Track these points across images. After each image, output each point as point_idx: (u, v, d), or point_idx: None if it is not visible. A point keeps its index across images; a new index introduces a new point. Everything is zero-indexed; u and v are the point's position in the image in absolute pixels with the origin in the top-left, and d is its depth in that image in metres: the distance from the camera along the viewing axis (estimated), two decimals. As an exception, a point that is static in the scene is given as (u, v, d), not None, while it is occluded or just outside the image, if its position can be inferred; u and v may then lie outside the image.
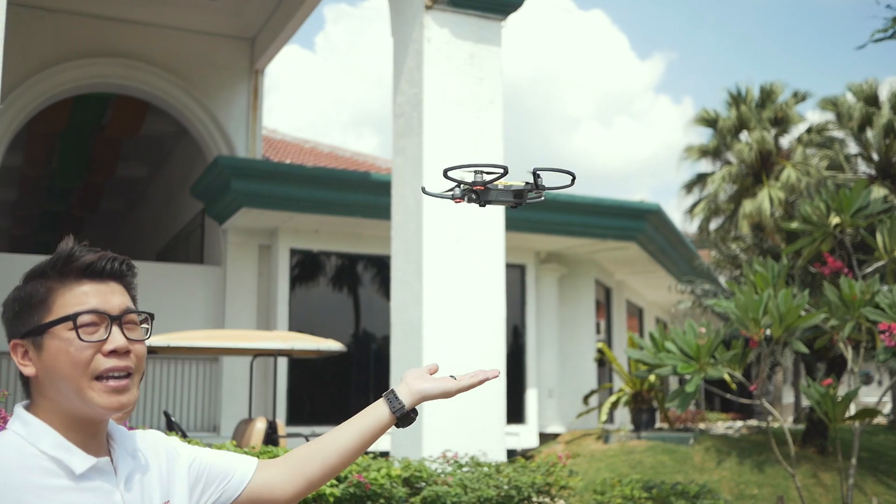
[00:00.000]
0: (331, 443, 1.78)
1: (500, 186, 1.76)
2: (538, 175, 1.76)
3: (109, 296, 1.53)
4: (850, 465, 7.62)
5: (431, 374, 1.85)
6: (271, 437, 8.17)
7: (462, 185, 1.78)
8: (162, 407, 13.17)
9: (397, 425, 1.80)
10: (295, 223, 14.69)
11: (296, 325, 14.24)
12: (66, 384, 1.47)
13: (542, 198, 1.79)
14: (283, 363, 14.22)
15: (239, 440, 8.07)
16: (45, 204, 21.13)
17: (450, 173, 1.77)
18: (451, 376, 1.84)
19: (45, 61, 13.75)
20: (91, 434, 1.52)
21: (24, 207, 21.15)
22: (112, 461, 1.53)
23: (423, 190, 1.86)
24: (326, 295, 15.76)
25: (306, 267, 15.56)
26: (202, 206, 15.52)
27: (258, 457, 4.97)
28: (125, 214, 23.12)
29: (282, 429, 8.61)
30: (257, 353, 9.41)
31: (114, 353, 1.49)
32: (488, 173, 1.77)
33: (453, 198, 1.78)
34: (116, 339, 1.50)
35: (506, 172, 1.76)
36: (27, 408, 1.53)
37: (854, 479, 7.62)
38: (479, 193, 1.75)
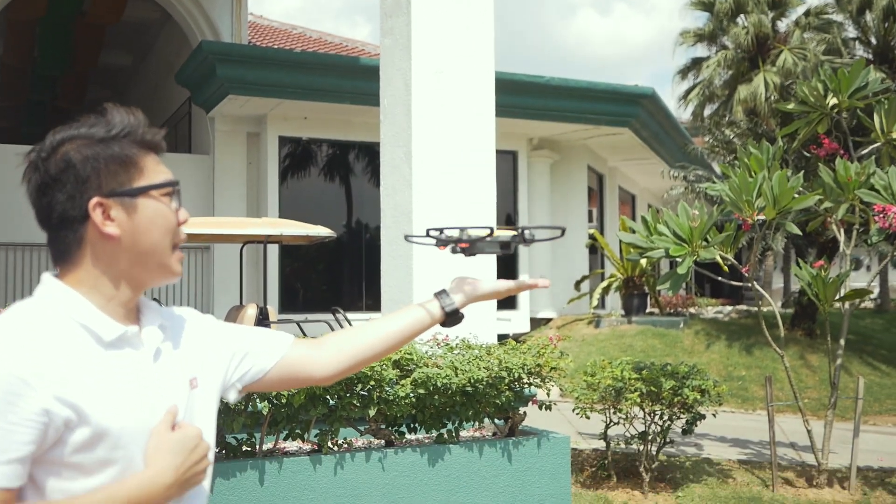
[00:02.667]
0: (377, 327, 1.81)
1: (486, 238, 1.79)
2: (524, 232, 1.81)
3: None
4: (839, 346, 7.67)
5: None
6: (262, 324, 8.18)
7: (447, 241, 1.80)
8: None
9: (444, 324, 1.83)
10: (283, 110, 14.46)
11: (286, 215, 14.17)
12: (152, 249, 1.50)
13: (529, 245, 1.84)
14: (273, 251, 14.21)
15: (230, 326, 8.09)
16: (29, 94, 20.75)
17: (433, 231, 1.82)
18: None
19: (19, -57, 13.27)
20: (129, 307, 1.54)
21: (7, 98, 20.77)
22: (140, 333, 1.53)
23: (406, 237, 1.89)
24: (317, 184, 15.64)
25: (296, 155, 15.39)
26: (188, 94, 15.24)
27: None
28: (111, 103, 22.73)
29: (273, 315, 8.63)
30: (247, 240, 9.36)
31: (182, 223, 1.56)
32: (473, 229, 1.80)
33: (437, 244, 1.79)
34: (184, 212, 1.57)
35: (491, 233, 1.80)
36: (60, 277, 1.52)
37: (841, 361, 7.69)
38: (464, 248, 1.79)
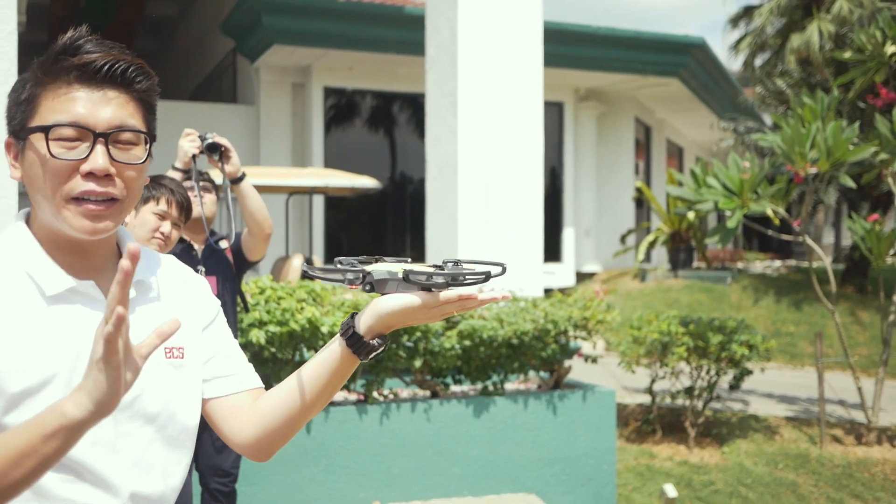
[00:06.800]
0: (290, 379, 1.46)
1: (398, 275, 1.35)
2: (444, 266, 1.37)
3: (101, 107, 1.29)
4: (891, 302, 7.51)
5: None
6: (307, 274, 8.21)
7: (350, 273, 1.38)
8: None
9: (356, 353, 1.39)
10: (328, 60, 14.39)
11: (331, 165, 14.16)
12: (41, 198, 1.31)
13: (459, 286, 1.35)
14: (318, 202, 14.24)
15: (276, 276, 8.12)
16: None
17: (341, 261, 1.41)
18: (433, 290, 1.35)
19: None
20: (78, 254, 1.36)
21: (55, 48, 20.93)
22: (109, 285, 1.37)
23: (305, 270, 1.42)
24: (362, 135, 15.59)
25: (341, 106, 15.34)
26: (234, 44, 15.22)
27: (293, 292, 4.94)
28: (157, 55, 22.83)
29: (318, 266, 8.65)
30: (292, 191, 9.36)
31: (91, 174, 1.29)
32: (384, 263, 1.41)
33: (346, 282, 1.39)
34: (96, 160, 1.28)
35: (407, 277, 1.33)
36: (28, 215, 1.41)
37: (894, 317, 7.53)
38: (373, 284, 1.38)
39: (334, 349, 1.41)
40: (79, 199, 1.30)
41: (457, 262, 1.39)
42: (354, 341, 1.38)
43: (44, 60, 1.31)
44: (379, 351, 1.40)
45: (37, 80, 1.32)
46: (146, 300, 1.41)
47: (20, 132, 1.32)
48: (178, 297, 1.47)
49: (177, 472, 1.42)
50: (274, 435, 1.45)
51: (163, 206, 3.29)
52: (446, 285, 1.33)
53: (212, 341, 1.49)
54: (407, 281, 1.32)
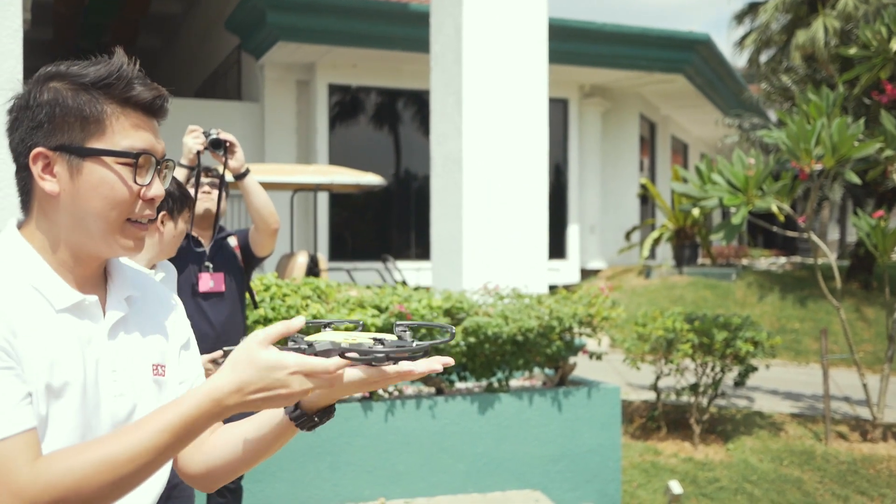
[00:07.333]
0: (236, 441, 1.47)
1: (341, 345, 1.30)
2: (383, 342, 1.31)
3: (157, 137, 1.41)
4: (897, 298, 7.50)
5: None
6: (312, 271, 8.22)
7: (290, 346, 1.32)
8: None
9: (302, 429, 1.41)
10: (333, 57, 14.39)
11: (336, 162, 14.17)
12: (94, 218, 1.35)
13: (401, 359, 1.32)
14: (323, 199, 14.25)
15: (281, 273, 8.13)
16: (80, 42, 20.89)
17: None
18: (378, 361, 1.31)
19: None
20: (86, 271, 1.41)
21: (59, 46, 20.93)
22: (105, 302, 1.42)
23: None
24: (366, 132, 15.60)
25: (345, 103, 15.34)
26: (238, 41, 15.23)
27: (298, 289, 4.94)
28: (161, 52, 22.86)
29: (323, 263, 8.66)
30: (297, 188, 9.38)
31: (152, 200, 1.40)
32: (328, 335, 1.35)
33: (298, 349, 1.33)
34: (157, 186, 1.40)
35: (338, 353, 1.29)
36: (21, 226, 1.40)
37: (900, 313, 7.52)
38: (317, 356, 1.30)
39: (279, 418, 1.42)
40: (134, 221, 1.39)
41: (407, 328, 1.38)
42: (297, 416, 1.40)
43: (107, 85, 1.35)
44: (322, 424, 1.42)
45: (103, 101, 1.35)
46: (135, 316, 1.46)
47: (84, 150, 1.34)
48: (161, 315, 1.53)
49: (160, 480, 1.50)
50: (217, 473, 1.49)
51: (187, 212, 3.28)
52: (385, 359, 1.31)
53: (185, 366, 1.55)
54: (343, 357, 1.29)
